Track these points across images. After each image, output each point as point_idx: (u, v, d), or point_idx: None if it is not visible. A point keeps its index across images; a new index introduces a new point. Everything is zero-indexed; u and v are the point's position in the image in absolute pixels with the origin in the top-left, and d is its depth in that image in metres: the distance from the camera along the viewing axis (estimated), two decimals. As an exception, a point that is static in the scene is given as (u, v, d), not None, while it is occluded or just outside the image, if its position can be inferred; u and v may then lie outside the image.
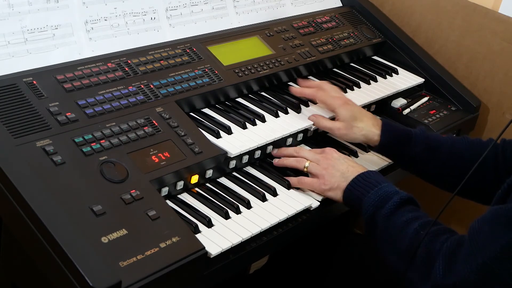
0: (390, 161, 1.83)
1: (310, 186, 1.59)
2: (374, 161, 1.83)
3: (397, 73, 2.23)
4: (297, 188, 1.62)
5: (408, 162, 1.72)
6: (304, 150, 1.68)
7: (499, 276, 1.23)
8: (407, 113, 2.08)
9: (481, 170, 1.60)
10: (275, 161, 1.67)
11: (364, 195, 1.48)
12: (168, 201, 1.45)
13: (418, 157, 1.69)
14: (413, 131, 1.72)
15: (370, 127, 1.72)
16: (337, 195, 1.55)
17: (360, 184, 1.51)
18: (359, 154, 1.84)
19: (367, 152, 1.86)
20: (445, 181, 1.72)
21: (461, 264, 1.26)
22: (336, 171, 1.56)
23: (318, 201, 1.60)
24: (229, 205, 1.50)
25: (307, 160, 1.63)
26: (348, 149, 1.84)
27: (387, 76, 2.18)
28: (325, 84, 1.85)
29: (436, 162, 1.69)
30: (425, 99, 2.19)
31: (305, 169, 1.62)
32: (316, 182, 1.58)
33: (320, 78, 2.03)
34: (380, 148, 1.73)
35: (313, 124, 1.77)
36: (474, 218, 1.31)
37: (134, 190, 1.35)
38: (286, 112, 1.79)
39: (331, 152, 1.63)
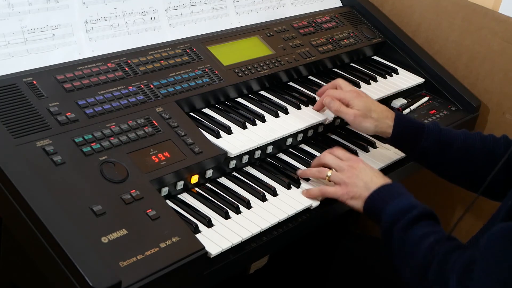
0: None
1: (333, 195, 1.57)
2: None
3: (397, 73, 2.23)
4: (297, 188, 1.62)
5: (420, 156, 1.73)
6: (328, 155, 1.64)
7: None
8: (407, 113, 2.08)
9: (492, 166, 1.60)
10: (298, 172, 1.66)
11: (384, 206, 1.46)
12: (168, 201, 1.45)
13: (430, 151, 1.70)
14: (426, 124, 1.72)
15: (384, 119, 1.73)
16: (358, 204, 1.53)
17: (381, 195, 1.49)
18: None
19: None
20: (456, 176, 1.73)
21: (476, 284, 1.25)
22: (360, 180, 1.54)
23: (318, 200, 1.60)
24: (229, 205, 1.49)
25: (330, 168, 1.61)
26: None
27: (387, 76, 2.18)
28: (339, 80, 1.86)
29: (448, 156, 1.70)
30: (425, 99, 2.19)
31: (327, 178, 1.60)
32: (339, 191, 1.56)
33: (320, 78, 2.04)
34: (392, 140, 1.74)
35: (330, 110, 1.78)
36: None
37: (134, 190, 1.35)
38: (286, 112, 1.79)
39: (357, 161, 1.60)
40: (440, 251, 1.34)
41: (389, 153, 1.87)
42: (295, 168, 1.70)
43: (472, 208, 1.38)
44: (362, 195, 1.52)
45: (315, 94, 1.92)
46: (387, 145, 1.90)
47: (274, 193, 1.58)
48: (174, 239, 1.29)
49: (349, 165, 1.59)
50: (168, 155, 1.47)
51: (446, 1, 2.28)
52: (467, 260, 1.30)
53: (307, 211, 1.58)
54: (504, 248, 1.24)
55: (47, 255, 1.20)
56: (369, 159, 1.83)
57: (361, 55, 2.25)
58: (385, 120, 1.73)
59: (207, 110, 1.73)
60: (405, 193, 1.50)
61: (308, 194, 1.59)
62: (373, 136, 1.92)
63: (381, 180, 1.54)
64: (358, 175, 1.55)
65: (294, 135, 1.77)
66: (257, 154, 1.68)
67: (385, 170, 1.81)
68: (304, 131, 1.80)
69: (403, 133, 1.72)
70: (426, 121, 2.04)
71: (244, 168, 1.66)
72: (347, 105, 1.75)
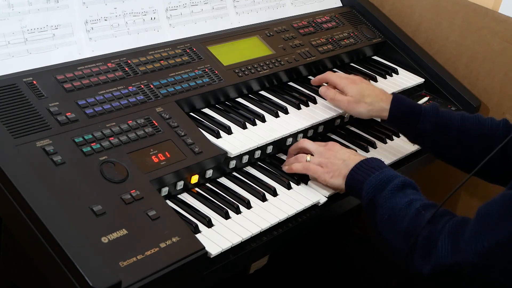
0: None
1: (315, 173, 1.60)
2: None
3: (397, 73, 2.23)
4: (298, 186, 1.62)
5: (416, 137, 1.77)
6: (306, 141, 1.69)
7: (501, 262, 1.24)
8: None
9: (490, 149, 1.61)
10: (284, 169, 1.68)
11: (365, 178, 1.49)
12: (168, 201, 1.45)
13: (427, 133, 1.73)
14: (424, 107, 1.74)
15: (378, 102, 1.77)
16: (339, 182, 1.57)
17: (361, 169, 1.52)
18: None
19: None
20: (454, 157, 1.75)
21: (466, 244, 1.27)
22: (338, 159, 1.59)
23: (319, 200, 1.60)
24: (229, 205, 1.50)
25: (308, 154, 1.64)
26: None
27: (387, 76, 2.18)
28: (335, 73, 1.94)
29: (445, 138, 1.72)
30: (425, 99, 2.19)
31: (307, 162, 1.63)
32: (320, 170, 1.60)
33: (320, 78, 2.04)
34: (389, 122, 1.78)
35: (324, 98, 1.86)
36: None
37: (134, 190, 1.35)
38: (286, 112, 1.80)
39: (333, 144, 1.66)
40: (427, 215, 1.35)
41: (389, 154, 1.87)
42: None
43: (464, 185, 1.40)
44: (342, 172, 1.56)
45: (315, 93, 1.92)
46: (386, 146, 1.91)
47: (274, 193, 1.58)
48: (174, 239, 1.29)
49: (326, 148, 1.64)
50: (168, 155, 1.47)
51: (446, 1, 2.28)
52: (459, 222, 1.32)
53: (307, 211, 1.58)
54: (500, 215, 1.25)
55: (47, 255, 1.20)
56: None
57: (361, 55, 2.25)
58: (379, 103, 1.76)
59: (207, 110, 1.73)
60: (384, 166, 1.53)
61: (290, 170, 1.64)
62: (373, 136, 1.92)
63: (359, 157, 1.59)
64: (336, 155, 1.60)
65: (294, 135, 1.77)
66: (257, 154, 1.68)
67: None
68: (304, 131, 1.80)
69: (399, 115, 1.75)
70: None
71: (244, 168, 1.66)
72: (343, 93, 1.81)
